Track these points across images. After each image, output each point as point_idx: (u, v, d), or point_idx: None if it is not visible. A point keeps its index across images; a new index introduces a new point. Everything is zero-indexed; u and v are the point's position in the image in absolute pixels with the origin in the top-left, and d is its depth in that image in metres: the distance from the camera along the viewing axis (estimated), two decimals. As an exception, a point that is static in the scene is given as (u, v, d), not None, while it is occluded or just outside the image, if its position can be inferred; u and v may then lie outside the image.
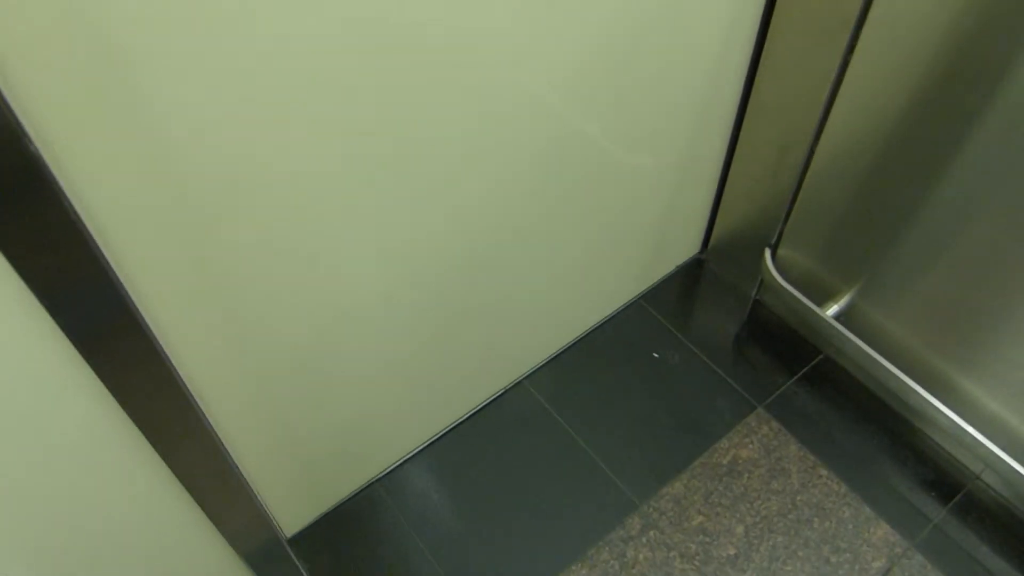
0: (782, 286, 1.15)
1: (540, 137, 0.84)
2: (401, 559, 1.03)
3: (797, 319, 1.24)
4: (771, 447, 1.12)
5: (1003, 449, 0.97)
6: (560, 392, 1.18)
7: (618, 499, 1.07)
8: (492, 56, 0.72)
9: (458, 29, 0.67)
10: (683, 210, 1.21)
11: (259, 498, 0.78)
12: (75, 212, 0.46)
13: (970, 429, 0.99)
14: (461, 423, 1.15)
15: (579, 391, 1.19)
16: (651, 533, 1.04)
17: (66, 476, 0.61)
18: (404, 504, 1.08)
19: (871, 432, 1.13)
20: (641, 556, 1.03)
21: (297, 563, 0.91)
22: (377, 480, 1.10)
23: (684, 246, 1.31)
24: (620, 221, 1.10)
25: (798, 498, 1.07)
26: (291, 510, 1.03)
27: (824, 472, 1.09)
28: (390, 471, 1.11)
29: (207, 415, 0.65)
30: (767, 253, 1.17)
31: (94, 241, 0.48)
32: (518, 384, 1.19)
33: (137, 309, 0.53)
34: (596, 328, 1.26)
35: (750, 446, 1.12)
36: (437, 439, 1.14)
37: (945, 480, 1.08)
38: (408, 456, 1.12)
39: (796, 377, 1.19)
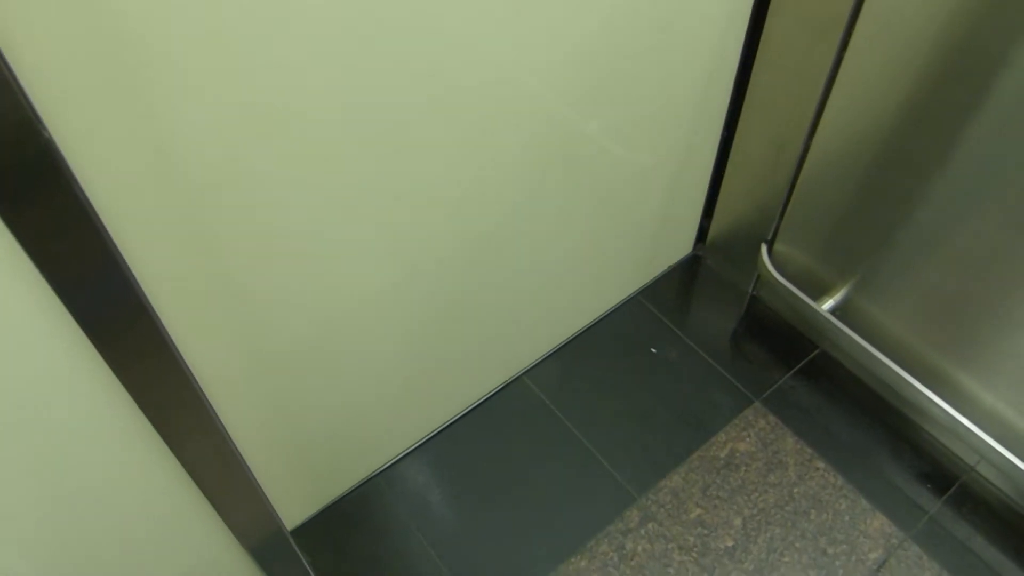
0: (778, 281, 1.16)
1: (537, 135, 0.85)
2: (401, 551, 1.04)
3: (793, 314, 1.25)
4: (768, 440, 1.13)
5: (998, 441, 0.98)
6: (559, 387, 1.19)
7: (617, 492, 1.08)
8: (487, 53, 0.72)
9: (453, 26, 0.67)
10: (680, 206, 1.22)
11: (263, 491, 0.78)
12: (86, 199, 0.47)
13: (965, 421, 1.00)
14: (461, 418, 1.16)
15: (578, 386, 1.20)
16: (650, 525, 1.05)
17: (75, 466, 0.62)
18: (405, 497, 1.08)
19: (867, 425, 1.14)
20: (640, 548, 1.03)
21: (300, 555, 0.91)
22: (378, 473, 1.11)
23: (681, 242, 1.32)
24: (617, 218, 1.11)
25: (795, 490, 1.08)
26: (293, 503, 1.03)
27: (821, 465, 1.10)
28: (391, 465, 1.11)
29: (213, 406, 0.65)
30: (763, 249, 1.18)
31: (105, 229, 0.49)
32: (517, 379, 1.20)
33: (146, 297, 0.54)
34: (594, 324, 1.26)
35: (747, 439, 1.13)
36: (437, 433, 1.14)
37: (940, 472, 1.10)
38: (409, 450, 1.13)
39: (793, 371, 1.20)
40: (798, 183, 1.08)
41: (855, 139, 0.97)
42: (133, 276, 0.52)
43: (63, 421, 0.58)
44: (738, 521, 1.06)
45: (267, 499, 0.79)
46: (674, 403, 1.17)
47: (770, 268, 1.17)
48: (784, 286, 1.15)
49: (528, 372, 1.21)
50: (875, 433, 1.14)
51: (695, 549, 1.03)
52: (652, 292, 1.31)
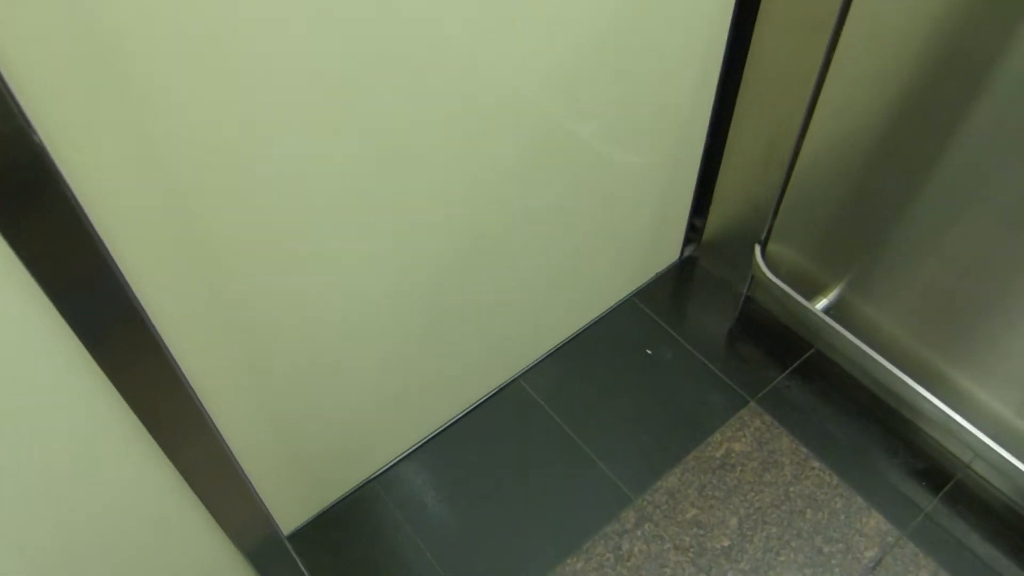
0: (772, 281, 1.17)
1: (531, 137, 0.86)
2: (398, 555, 1.04)
3: (788, 314, 1.26)
4: (764, 440, 1.13)
5: (992, 438, 0.98)
6: (555, 389, 1.19)
7: (613, 493, 1.08)
8: (482, 60, 0.73)
9: (448, 29, 0.68)
10: (674, 208, 1.23)
11: (259, 495, 0.78)
12: (78, 204, 0.47)
13: (959, 419, 1.00)
14: (457, 421, 1.16)
15: (574, 388, 1.20)
16: (646, 526, 1.05)
17: (70, 470, 0.62)
18: (401, 501, 1.08)
19: (862, 424, 1.15)
20: (636, 549, 1.04)
21: (297, 560, 0.91)
22: (375, 477, 1.11)
23: (675, 244, 1.33)
24: (611, 221, 1.11)
25: (791, 490, 1.08)
26: (289, 507, 1.03)
27: (816, 464, 1.10)
28: (387, 468, 1.12)
29: (208, 411, 0.65)
30: (757, 249, 1.19)
31: (97, 234, 0.49)
32: (513, 382, 1.20)
33: (139, 303, 0.54)
34: (590, 326, 1.27)
35: (743, 439, 1.13)
36: (433, 437, 1.15)
37: (935, 470, 1.10)
38: (405, 454, 1.13)
39: (788, 371, 1.21)
40: (791, 183, 1.09)
41: (847, 139, 0.98)
42: (127, 282, 0.52)
43: (58, 427, 0.58)
44: (734, 521, 1.06)
45: (263, 504, 0.79)
46: (670, 404, 1.18)
47: (764, 268, 1.18)
48: (778, 286, 1.16)
49: (524, 375, 1.21)
50: (870, 432, 1.14)
51: (691, 549, 1.03)
52: (647, 294, 1.31)
